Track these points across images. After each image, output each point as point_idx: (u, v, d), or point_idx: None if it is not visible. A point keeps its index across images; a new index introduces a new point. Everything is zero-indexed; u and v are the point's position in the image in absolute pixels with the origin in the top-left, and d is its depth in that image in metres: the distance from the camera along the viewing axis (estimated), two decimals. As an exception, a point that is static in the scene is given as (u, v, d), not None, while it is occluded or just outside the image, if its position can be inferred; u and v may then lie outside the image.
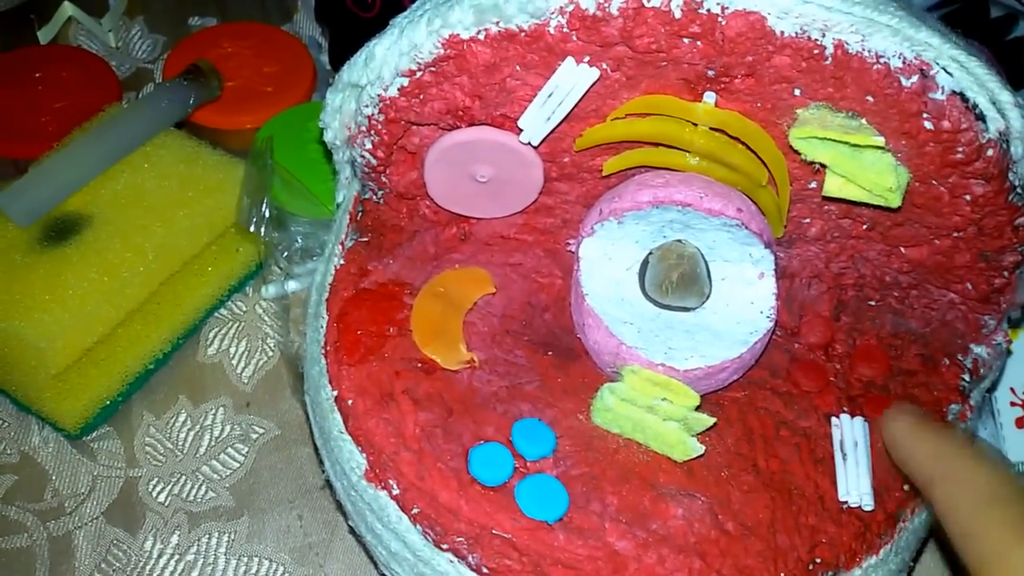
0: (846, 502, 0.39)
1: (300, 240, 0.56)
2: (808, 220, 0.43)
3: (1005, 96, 0.36)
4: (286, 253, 0.56)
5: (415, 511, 0.38)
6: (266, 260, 0.55)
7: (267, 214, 0.54)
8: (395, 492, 0.38)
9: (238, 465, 0.52)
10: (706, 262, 0.41)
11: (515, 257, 0.46)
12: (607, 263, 0.42)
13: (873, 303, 0.45)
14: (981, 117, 0.36)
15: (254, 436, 0.53)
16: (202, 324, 0.57)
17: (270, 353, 0.56)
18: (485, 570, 0.37)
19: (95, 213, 0.53)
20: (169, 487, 0.51)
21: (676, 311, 0.41)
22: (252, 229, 0.54)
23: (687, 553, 0.37)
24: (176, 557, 0.48)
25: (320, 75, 0.67)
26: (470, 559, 0.37)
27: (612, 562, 0.37)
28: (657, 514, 0.38)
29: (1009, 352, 0.50)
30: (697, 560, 0.37)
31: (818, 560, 0.38)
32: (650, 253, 0.42)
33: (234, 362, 0.55)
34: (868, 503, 0.39)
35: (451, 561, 0.37)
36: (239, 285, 0.58)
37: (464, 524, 0.37)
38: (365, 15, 0.65)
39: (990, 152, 0.36)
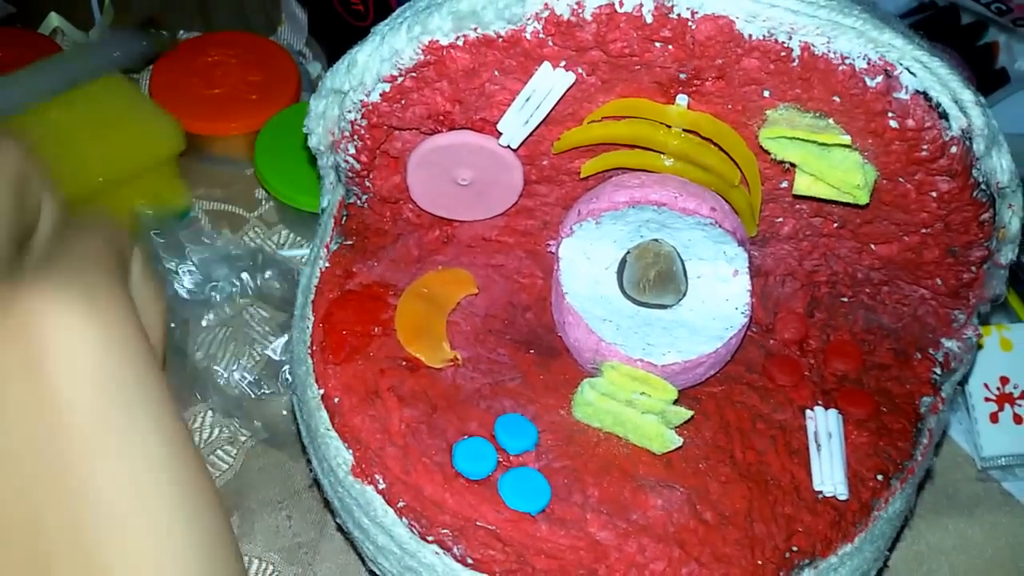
0: (821, 492, 0.40)
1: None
2: (781, 219, 0.44)
3: (967, 95, 0.38)
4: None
5: (401, 505, 0.39)
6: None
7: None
8: (381, 487, 0.39)
9: (227, 467, 0.52)
10: (682, 260, 0.43)
11: (497, 258, 0.47)
12: (586, 263, 0.43)
13: (846, 299, 0.46)
14: (944, 115, 0.37)
15: (242, 439, 0.53)
16: None
17: (257, 357, 0.56)
18: (470, 561, 0.38)
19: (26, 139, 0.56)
20: (159, 489, 0.51)
21: (653, 308, 0.42)
22: None
23: (666, 542, 0.38)
24: (166, 558, 0.49)
25: (304, 84, 0.68)
26: (455, 550, 0.38)
27: (593, 551, 0.38)
28: (637, 505, 0.39)
29: (980, 346, 0.51)
30: (676, 549, 0.38)
31: (794, 548, 0.39)
32: (628, 252, 0.43)
33: (222, 366, 0.56)
34: (843, 492, 0.40)
35: (436, 553, 0.38)
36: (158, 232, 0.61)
37: (449, 516, 0.38)
38: (360, 24, 0.66)
39: (954, 149, 0.38)
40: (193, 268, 0.56)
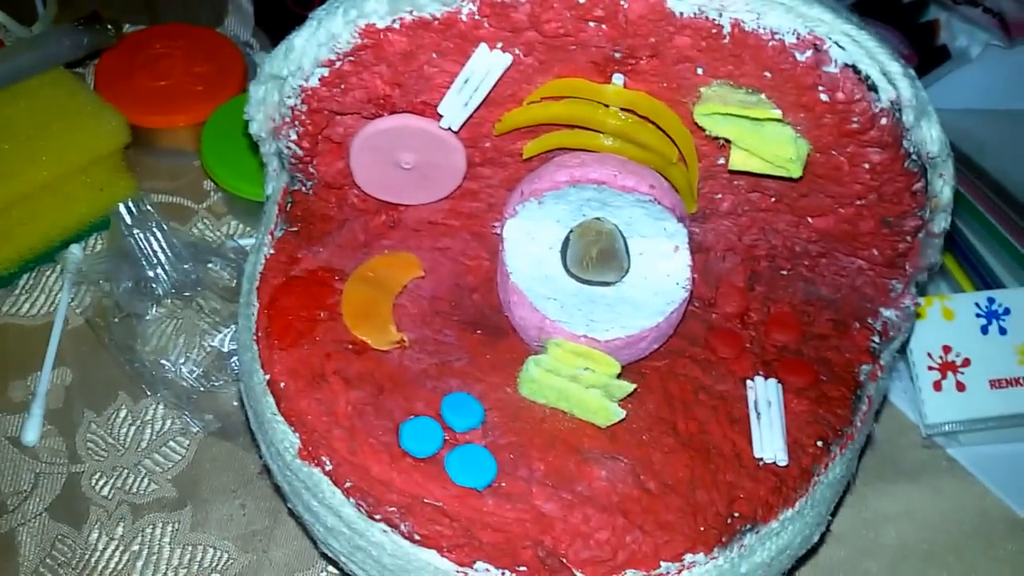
0: (762, 459, 0.41)
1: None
2: (720, 195, 0.45)
3: (895, 67, 0.38)
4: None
5: (348, 485, 0.39)
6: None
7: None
8: (328, 468, 0.40)
9: (180, 458, 0.53)
10: (624, 238, 0.43)
11: (443, 241, 0.47)
12: (530, 242, 0.43)
13: (785, 272, 0.47)
14: (873, 88, 0.38)
15: (194, 429, 0.53)
16: (57, 252, 0.60)
17: (207, 349, 0.56)
18: (417, 537, 0.38)
19: None
20: (112, 480, 0.51)
21: (597, 286, 0.43)
22: None
23: (610, 512, 0.39)
24: (121, 548, 0.49)
25: (251, 74, 0.68)
26: (402, 527, 0.38)
27: (539, 523, 0.38)
28: (582, 476, 0.40)
29: (918, 315, 0.52)
30: (620, 518, 0.39)
31: (736, 514, 0.40)
32: (570, 231, 0.43)
33: (172, 358, 0.56)
34: (782, 459, 0.41)
35: (384, 531, 0.39)
36: (102, 224, 0.61)
37: (396, 495, 0.39)
38: (306, 13, 0.66)
39: (884, 121, 0.38)
40: (139, 261, 0.56)
